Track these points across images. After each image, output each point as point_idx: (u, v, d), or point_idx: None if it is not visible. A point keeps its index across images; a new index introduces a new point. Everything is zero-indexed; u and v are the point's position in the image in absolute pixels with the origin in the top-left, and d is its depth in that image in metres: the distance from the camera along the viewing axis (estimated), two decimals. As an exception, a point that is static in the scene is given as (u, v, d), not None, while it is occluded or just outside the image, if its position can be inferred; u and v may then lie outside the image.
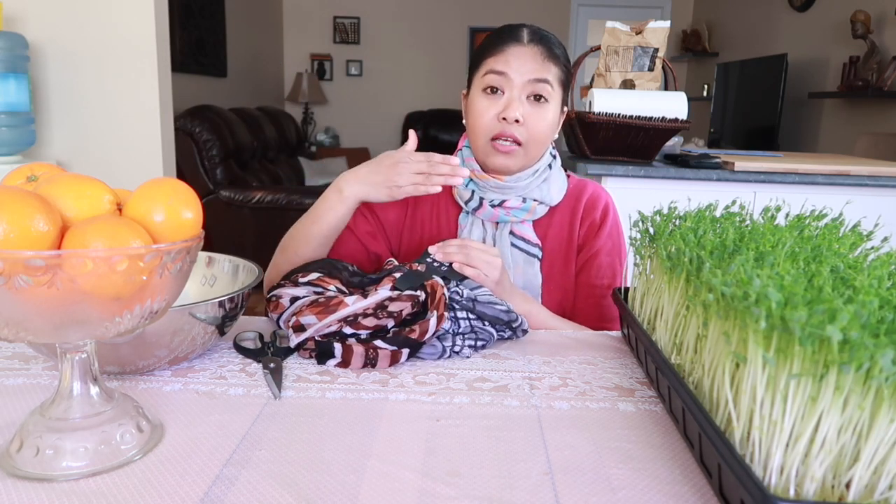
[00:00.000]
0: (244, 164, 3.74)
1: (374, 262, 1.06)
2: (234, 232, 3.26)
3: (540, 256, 1.04)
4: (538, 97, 0.98)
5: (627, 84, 2.07)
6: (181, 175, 3.11)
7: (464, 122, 1.06)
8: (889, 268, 0.57)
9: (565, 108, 1.05)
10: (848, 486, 0.45)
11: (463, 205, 1.04)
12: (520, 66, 0.97)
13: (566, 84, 1.02)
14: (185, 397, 0.67)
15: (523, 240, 1.04)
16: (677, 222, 0.76)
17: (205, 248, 0.69)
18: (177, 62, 3.45)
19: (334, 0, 5.74)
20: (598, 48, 2.06)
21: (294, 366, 0.76)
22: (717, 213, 0.78)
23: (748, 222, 0.75)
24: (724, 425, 0.53)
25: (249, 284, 0.77)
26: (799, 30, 4.19)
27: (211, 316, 0.71)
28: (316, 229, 0.99)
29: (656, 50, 2.04)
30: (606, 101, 1.96)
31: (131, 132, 2.10)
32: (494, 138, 0.98)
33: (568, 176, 1.11)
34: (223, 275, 0.85)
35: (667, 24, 2.04)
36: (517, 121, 0.97)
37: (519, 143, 0.98)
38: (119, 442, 0.55)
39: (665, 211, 0.79)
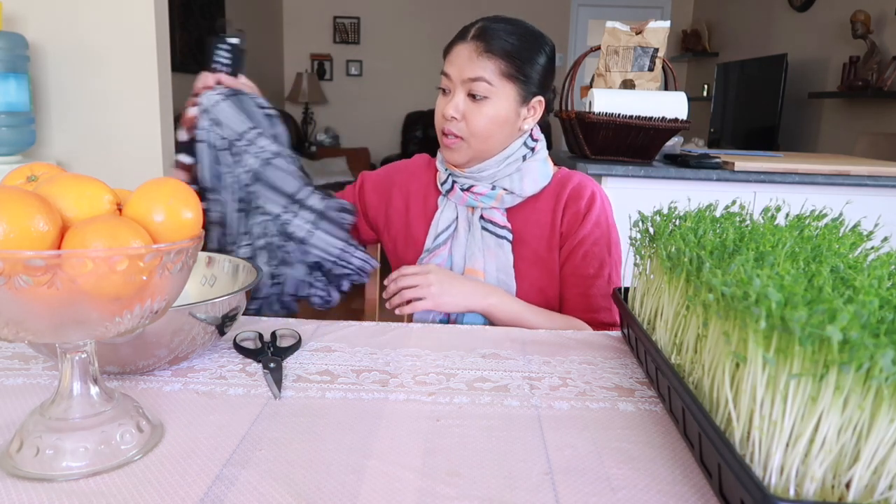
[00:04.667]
0: (244, 164, 3.73)
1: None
2: (234, 232, 3.25)
3: (510, 238, 1.06)
4: (474, 95, 1.00)
5: (627, 84, 2.07)
6: (181, 175, 3.10)
7: None
8: (889, 268, 0.57)
9: (538, 99, 1.04)
10: (848, 486, 0.45)
11: (440, 187, 1.11)
12: (458, 64, 1.00)
13: (523, 76, 1.00)
14: (185, 397, 0.67)
15: (492, 223, 1.07)
16: (677, 222, 0.76)
17: (205, 248, 0.69)
18: (177, 62, 3.44)
19: (334, 0, 5.74)
20: (598, 48, 2.06)
21: (294, 366, 0.76)
22: (717, 213, 0.78)
23: (748, 222, 0.75)
24: (724, 425, 0.53)
25: (249, 284, 0.77)
26: (799, 30, 4.19)
27: (211, 316, 0.71)
28: None
29: (656, 50, 2.04)
30: (606, 101, 1.96)
31: (131, 132, 2.10)
32: (443, 133, 1.04)
33: (559, 169, 1.12)
34: (223, 275, 0.85)
35: (667, 24, 2.04)
36: (454, 118, 1.00)
37: (462, 138, 1.02)
38: (119, 442, 0.55)
39: (665, 211, 0.79)
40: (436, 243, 1.08)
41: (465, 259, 1.07)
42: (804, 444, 0.45)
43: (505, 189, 1.05)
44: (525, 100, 1.03)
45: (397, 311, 0.99)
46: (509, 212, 1.08)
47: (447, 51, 1.03)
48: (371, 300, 1.30)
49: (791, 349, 0.45)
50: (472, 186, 1.06)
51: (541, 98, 1.05)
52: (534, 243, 1.07)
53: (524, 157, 1.06)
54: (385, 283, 1.02)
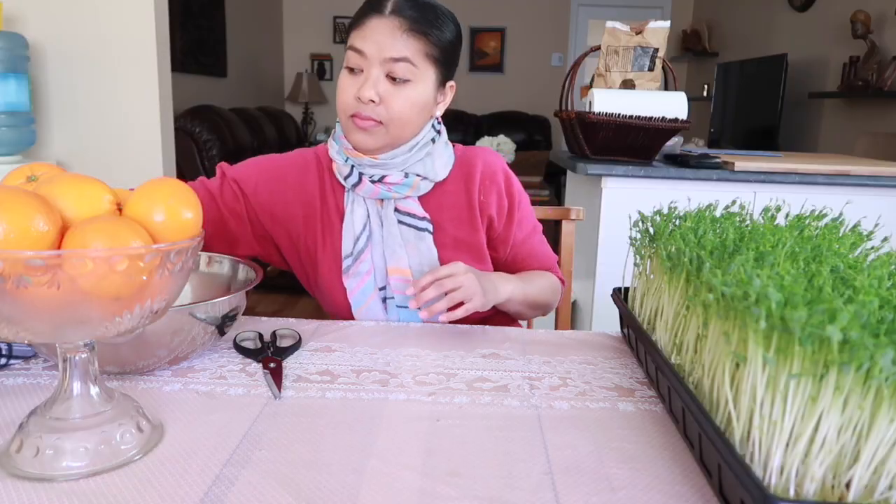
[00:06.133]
0: (244, 164, 3.74)
1: (226, 239, 1.01)
2: (234, 232, 3.25)
3: (431, 230, 0.99)
4: (393, 77, 0.90)
5: (627, 84, 2.07)
6: (181, 175, 3.11)
7: None
8: (889, 268, 0.57)
9: (450, 84, 0.99)
10: (848, 486, 0.45)
11: (343, 182, 0.99)
12: (377, 41, 0.89)
13: (444, 59, 0.94)
14: (185, 397, 0.67)
15: (409, 215, 0.99)
16: (677, 222, 0.76)
17: (205, 249, 0.69)
18: (177, 62, 3.45)
19: (334, 0, 5.74)
20: (598, 48, 2.06)
21: (294, 366, 0.76)
22: (717, 213, 0.78)
23: (748, 222, 0.75)
24: (724, 425, 0.53)
25: (249, 284, 0.77)
26: (799, 30, 4.19)
27: (211, 316, 0.71)
28: None
29: (656, 50, 2.04)
30: (606, 101, 1.96)
31: (131, 132, 2.10)
32: (353, 116, 0.93)
33: (454, 146, 1.06)
34: (223, 275, 0.85)
35: (667, 24, 2.03)
36: (372, 101, 0.90)
37: (381, 122, 0.92)
38: (119, 442, 0.55)
39: (665, 211, 0.79)
40: (358, 247, 0.98)
41: (386, 258, 0.98)
42: (804, 444, 0.45)
43: (419, 175, 0.97)
44: (441, 84, 0.96)
45: (443, 318, 0.85)
46: (421, 200, 1.00)
47: (357, 24, 0.92)
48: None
49: (791, 349, 0.45)
50: (383, 177, 0.96)
51: (452, 83, 0.99)
52: (451, 228, 1.01)
53: (433, 141, 0.99)
54: (413, 291, 0.87)
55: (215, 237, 1.00)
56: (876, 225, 0.74)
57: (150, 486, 0.51)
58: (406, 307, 0.98)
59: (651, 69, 2.05)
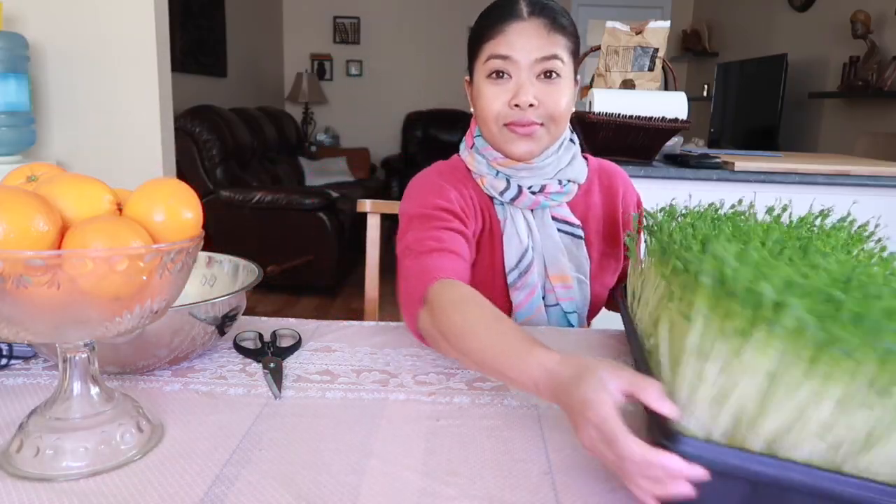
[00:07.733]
0: (244, 164, 3.74)
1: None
2: (234, 232, 3.26)
3: (583, 236, 0.98)
4: (548, 74, 0.89)
5: (627, 84, 2.07)
6: (181, 175, 3.11)
7: (471, 109, 1.00)
8: (848, 231, 0.56)
9: (578, 79, 0.97)
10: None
11: (497, 196, 0.95)
12: (524, 44, 0.88)
13: (577, 53, 0.93)
14: (185, 397, 0.67)
15: (566, 223, 0.97)
16: (679, 219, 0.76)
17: (205, 248, 0.69)
18: (177, 62, 3.45)
19: (334, 0, 5.74)
20: (598, 48, 2.06)
21: (294, 366, 0.76)
22: (722, 213, 0.77)
23: (751, 222, 0.75)
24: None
25: (249, 284, 0.77)
26: (799, 30, 4.19)
27: (211, 316, 0.71)
28: (488, 373, 0.69)
29: (656, 50, 2.04)
30: (606, 101, 1.96)
31: (131, 132, 2.10)
32: (509, 125, 0.91)
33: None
34: (223, 275, 0.85)
35: (667, 24, 2.03)
36: (531, 105, 0.88)
37: (541, 124, 0.91)
38: (119, 442, 0.55)
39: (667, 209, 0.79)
40: (526, 259, 0.94)
41: (547, 266, 0.96)
42: (726, 399, 0.46)
43: (570, 180, 0.97)
44: (575, 80, 0.95)
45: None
46: (569, 207, 0.99)
47: (493, 33, 0.91)
48: (371, 300, 1.30)
49: (733, 310, 0.45)
50: (543, 187, 0.94)
51: (579, 77, 0.98)
52: (595, 237, 1.01)
53: (572, 141, 0.98)
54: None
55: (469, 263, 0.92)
56: (877, 225, 0.74)
57: (150, 486, 0.51)
58: (574, 312, 0.98)
59: (651, 69, 2.05)
